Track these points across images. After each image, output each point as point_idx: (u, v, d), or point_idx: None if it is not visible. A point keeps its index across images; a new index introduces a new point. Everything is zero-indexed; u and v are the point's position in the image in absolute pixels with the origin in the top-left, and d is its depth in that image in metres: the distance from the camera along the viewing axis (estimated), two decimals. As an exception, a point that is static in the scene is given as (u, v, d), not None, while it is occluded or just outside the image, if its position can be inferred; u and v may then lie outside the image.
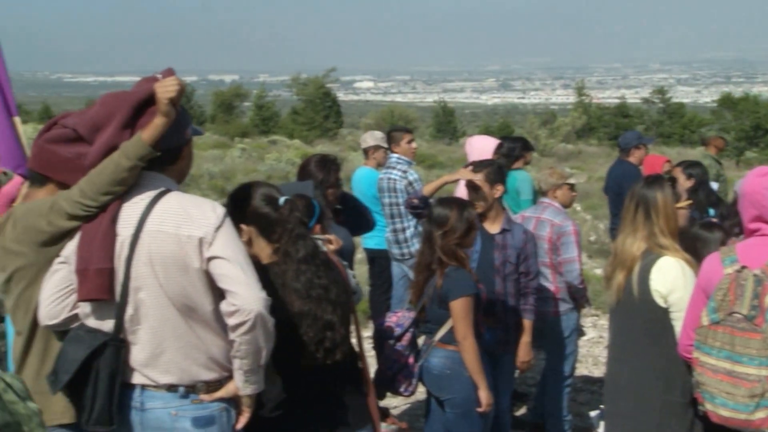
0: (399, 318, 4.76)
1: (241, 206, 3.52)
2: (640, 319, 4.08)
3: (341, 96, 63.38)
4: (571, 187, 6.25)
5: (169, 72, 3.25)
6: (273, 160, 24.84)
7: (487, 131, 38.33)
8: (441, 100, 57.86)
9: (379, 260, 8.34)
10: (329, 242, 3.98)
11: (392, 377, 4.63)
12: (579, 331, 6.40)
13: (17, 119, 5.29)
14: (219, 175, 21.19)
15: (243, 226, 3.49)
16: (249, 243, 3.51)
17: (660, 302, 3.93)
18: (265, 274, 3.41)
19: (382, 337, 4.70)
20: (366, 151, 8.72)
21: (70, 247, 3.16)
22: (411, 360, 4.73)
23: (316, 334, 3.39)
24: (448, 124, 52.14)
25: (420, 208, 6.35)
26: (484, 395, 4.64)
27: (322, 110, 51.62)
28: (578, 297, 6.17)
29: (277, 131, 45.77)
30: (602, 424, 6.00)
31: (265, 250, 3.51)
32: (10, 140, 5.19)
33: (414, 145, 8.34)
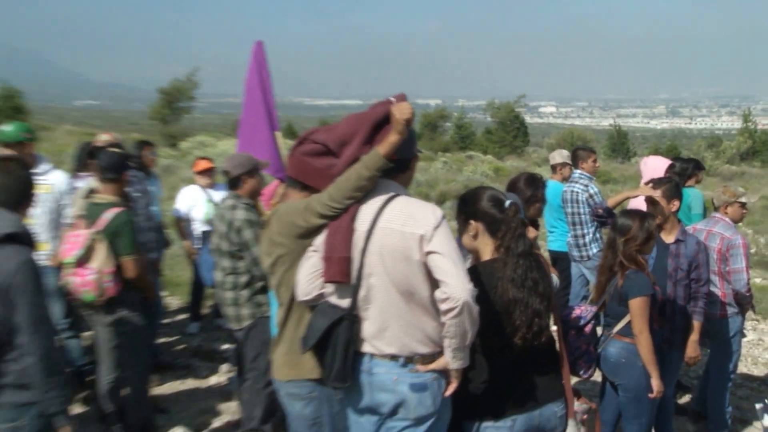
0: (582, 311, 4.69)
1: (470, 205, 3.50)
2: None
3: (528, 119, 62.38)
4: (743, 205, 5.95)
5: (402, 97, 3.29)
6: (470, 172, 24.91)
7: (656, 152, 36.75)
8: (615, 124, 55.83)
9: (560, 261, 8.29)
10: (529, 229, 3.94)
11: (574, 361, 4.55)
12: (741, 333, 6.04)
13: (278, 133, 5.55)
14: (424, 183, 21.48)
15: (472, 222, 3.49)
16: (475, 237, 3.50)
17: None
18: (490, 268, 3.42)
19: (567, 327, 4.62)
20: (554, 167, 8.69)
21: (320, 239, 3.28)
22: (591, 348, 4.64)
23: (528, 318, 3.34)
24: (621, 146, 50.23)
25: (604, 217, 6.28)
26: (656, 383, 4.56)
27: (511, 130, 51.09)
28: (744, 303, 5.86)
29: (473, 147, 45.68)
30: (766, 416, 5.78)
31: (488, 245, 3.48)
32: (273, 150, 5.46)
33: (598, 164, 8.23)
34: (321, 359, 3.25)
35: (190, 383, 6.91)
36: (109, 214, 5.00)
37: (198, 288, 8.24)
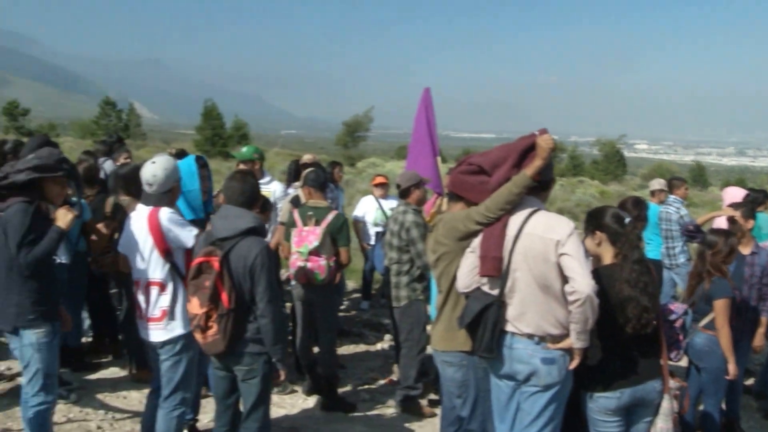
0: (676, 308, 4.46)
1: (597, 219, 3.40)
2: None
3: (626, 153, 59.52)
4: None
5: (544, 131, 3.24)
6: (580, 193, 24.06)
7: (728, 185, 34.50)
8: (695, 160, 52.47)
9: (654, 267, 7.86)
10: None
11: (667, 348, 4.35)
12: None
13: (439, 158, 5.58)
14: (545, 201, 20.84)
15: (597, 232, 3.38)
16: (599, 244, 3.38)
17: None
18: (610, 271, 3.31)
19: (662, 320, 4.43)
20: (652, 192, 8.45)
21: (477, 241, 3.27)
22: (681, 337, 4.43)
23: (638, 312, 3.22)
24: (700, 177, 47.68)
25: (694, 233, 6.06)
26: (732, 368, 4.54)
27: (613, 162, 49.26)
28: None
29: (583, 174, 44.18)
30: None
31: (609, 252, 3.36)
32: (434, 171, 5.48)
33: (687, 192, 7.96)
34: (473, 335, 3.22)
35: (361, 347, 7.00)
36: (330, 216, 5.12)
37: (369, 274, 8.36)
